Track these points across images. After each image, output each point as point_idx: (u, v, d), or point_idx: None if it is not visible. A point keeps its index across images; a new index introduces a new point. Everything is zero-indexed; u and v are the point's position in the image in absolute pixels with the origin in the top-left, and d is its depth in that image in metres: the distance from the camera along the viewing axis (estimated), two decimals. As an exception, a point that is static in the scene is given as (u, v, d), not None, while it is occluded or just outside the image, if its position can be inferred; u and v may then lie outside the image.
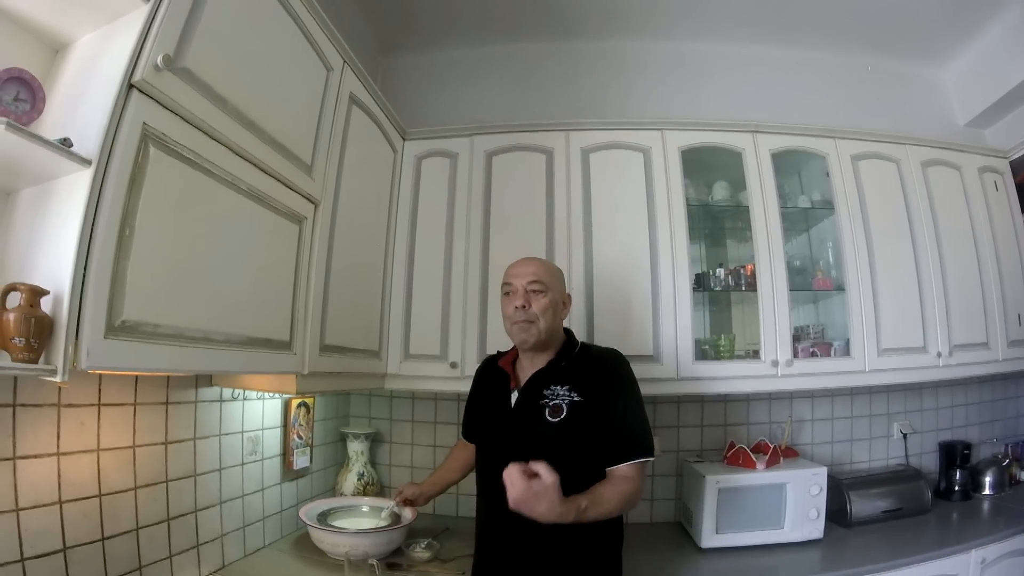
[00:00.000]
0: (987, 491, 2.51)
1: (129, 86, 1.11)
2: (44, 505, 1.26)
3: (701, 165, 2.38)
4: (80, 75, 1.20)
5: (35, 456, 1.25)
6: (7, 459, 1.19)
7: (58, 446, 1.30)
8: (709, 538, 2.06)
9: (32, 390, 1.24)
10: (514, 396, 1.63)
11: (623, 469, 1.48)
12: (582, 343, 1.70)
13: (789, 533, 2.07)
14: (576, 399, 1.53)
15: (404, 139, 2.40)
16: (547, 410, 1.53)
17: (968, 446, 2.55)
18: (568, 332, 1.72)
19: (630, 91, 2.84)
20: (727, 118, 2.41)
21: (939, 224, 2.38)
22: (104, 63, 1.15)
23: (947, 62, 2.92)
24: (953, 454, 2.53)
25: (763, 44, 2.85)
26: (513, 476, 1.29)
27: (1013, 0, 2.47)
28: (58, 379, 1.00)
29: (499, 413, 1.65)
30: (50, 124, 1.16)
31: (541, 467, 1.29)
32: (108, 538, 1.40)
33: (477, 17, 2.77)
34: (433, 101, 2.88)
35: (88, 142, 1.07)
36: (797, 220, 2.45)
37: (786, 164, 2.39)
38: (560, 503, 1.30)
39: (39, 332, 0.99)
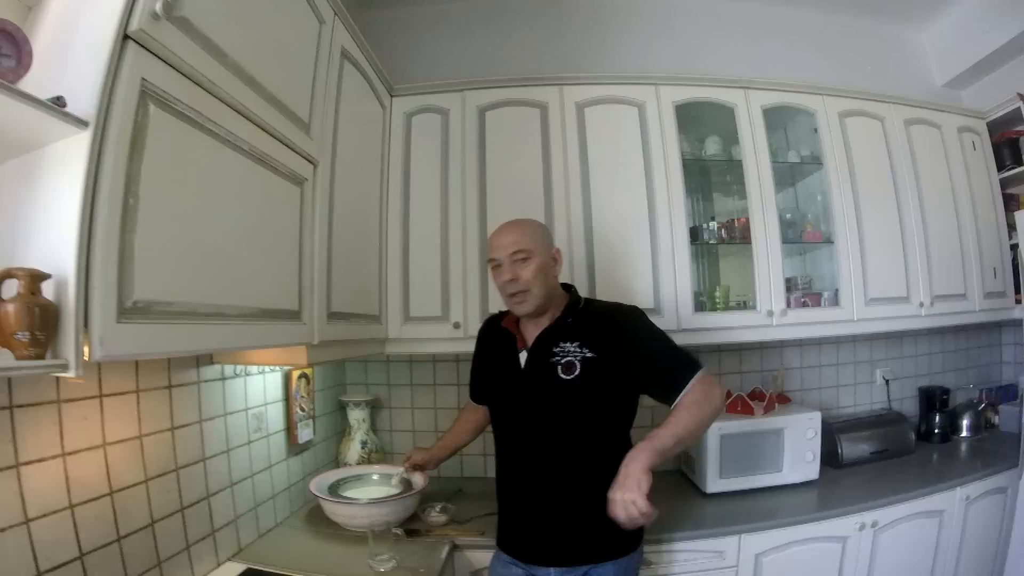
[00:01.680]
0: (964, 434, 2.58)
1: (124, 37, 0.91)
2: (54, 512, 1.10)
3: (693, 119, 2.28)
4: (62, 29, 0.99)
5: (39, 460, 1.08)
6: (9, 467, 1.02)
7: (62, 446, 1.13)
8: (714, 483, 2.06)
9: (28, 388, 1.06)
10: (523, 356, 1.55)
11: (690, 393, 1.36)
12: (586, 298, 1.61)
13: (787, 475, 2.10)
14: (589, 355, 1.45)
15: (392, 95, 2.19)
16: (559, 368, 1.46)
17: (946, 391, 2.61)
18: (570, 288, 1.62)
19: (618, 45, 2.68)
20: (720, 73, 2.30)
21: (921, 180, 2.37)
22: (91, 13, 0.94)
23: (927, 24, 2.87)
24: (932, 399, 2.59)
25: (751, 1, 2.72)
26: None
27: None
28: (71, 374, 0.84)
29: (509, 375, 1.57)
30: (30, 85, 0.94)
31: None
32: (124, 537, 1.25)
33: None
34: (416, 57, 2.64)
35: (81, 102, 0.87)
36: (784, 175, 2.39)
37: (773, 119, 2.32)
38: (647, 455, 1.24)
39: (44, 323, 0.82)
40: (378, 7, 2.62)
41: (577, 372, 1.45)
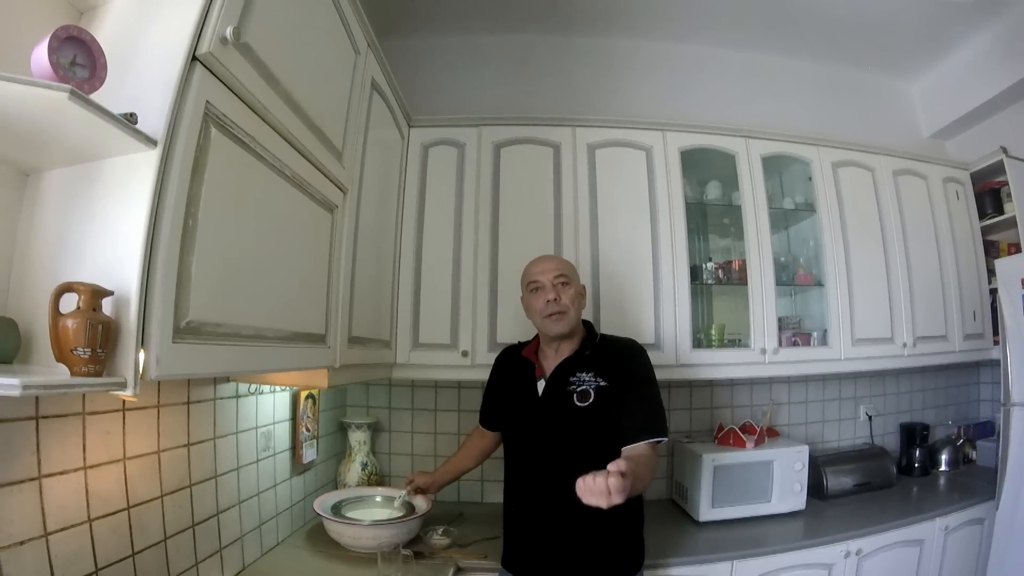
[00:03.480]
0: (943, 468, 2.62)
1: (192, 59, 0.91)
2: (73, 526, 1.05)
3: (696, 164, 2.34)
4: (123, 43, 0.97)
5: (61, 473, 1.03)
6: (32, 479, 0.98)
7: (84, 459, 1.09)
8: (706, 512, 2.06)
9: (54, 400, 1.02)
10: (541, 385, 1.60)
11: (640, 448, 1.45)
12: (601, 334, 1.67)
13: (776, 505, 2.11)
14: (602, 384, 1.51)
15: (410, 126, 2.21)
16: (575, 396, 1.52)
17: (926, 427, 2.67)
18: (588, 324, 1.69)
19: (626, 89, 2.74)
20: (720, 122, 2.37)
21: (907, 228, 2.45)
22: (158, 32, 0.95)
23: (917, 77, 2.98)
24: (913, 434, 2.64)
25: (749, 51, 2.82)
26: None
27: (985, 26, 2.54)
28: (128, 393, 0.81)
29: (527, 402, 1.61)
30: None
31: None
32: (138, 552, 1.21)
33: (473, 4, 2.57)
34: (428, 88, 2.66)
35: (148, 120, 0.87)
36: (778, 219, 2.45)
37: (770, 167, 2.39)
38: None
39: (105, 340, 0.80)
40: (393, 37, 2.64)
41: (591, 400, 1.50)
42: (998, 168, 2.56)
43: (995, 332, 2.53)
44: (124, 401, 1.19)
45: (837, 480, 2.29)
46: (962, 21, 2.54)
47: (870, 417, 2.69)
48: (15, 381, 0.67)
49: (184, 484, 1.37)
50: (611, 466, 1.09)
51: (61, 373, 0.79)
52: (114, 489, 1.16)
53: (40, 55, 0.78)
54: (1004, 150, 2.52)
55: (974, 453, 2.73)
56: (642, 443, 1.45)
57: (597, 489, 1.08)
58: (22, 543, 0.95)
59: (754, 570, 1.84)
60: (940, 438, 2.74)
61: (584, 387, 1.51)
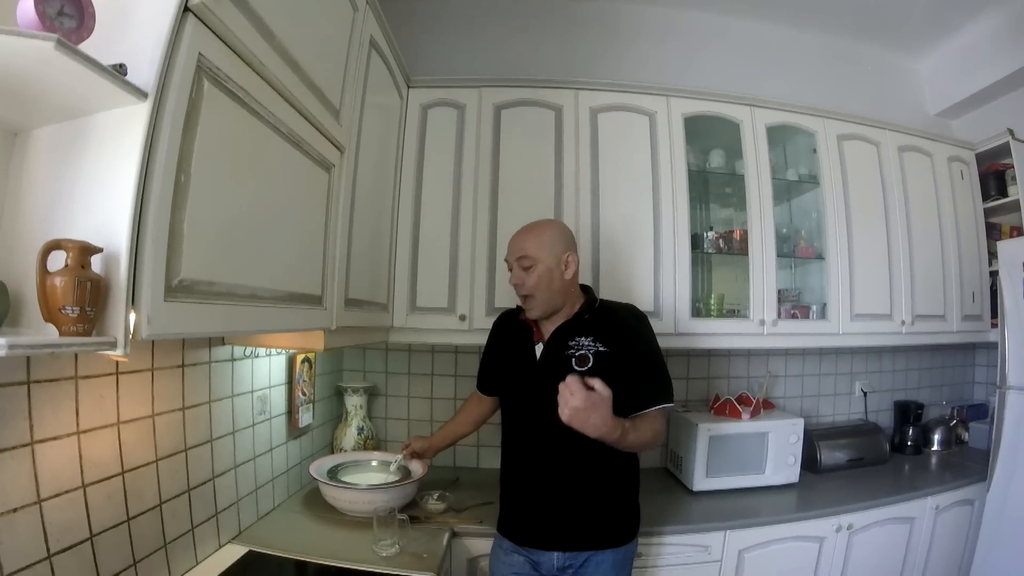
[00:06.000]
0: (936, 447, 2.64)
1: (184, 10, 0.86)
2: (67, 492, 1.04)
3: (699, 132, 2.29)
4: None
5: (54, 438, 1.02)
6: (24, 445, 0.96)
7: (78, 424, 1.07)
8: (700, 481, 2.09)
9: (46, 364, 1.00)
10: (539, 349, 1.58)
11: (650, 413, 1.45)
12: (601, 299, 1.64)
13: (770, 477, 2.14)
14: (602, 349, 1.49)
15: (409, 86, 2.14)
16: (574, 360, 1.50)
17: (920, 406, 2.67)
18: (587, 289, 1.66)
19: (626, 54, 2.66)
20: (724, 89, 2.31)
21: (910, 205, 2.42)
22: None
23: (924, 55, 2.92)
24: (907, 413, 2.66)
25: (755, 20, 2.74)
26: (573, 386, 1.24)
27: (994, 5, 2.48)
28: (119, 353, 0.79)
29: (524, 366, 1.59)
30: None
31: (596, 382, 1.25)
32: (133, 518, 1.20)
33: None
34: (428, 49, 2.57)
35: (139, 72, 0.82)
36: (780, 190, 2.42)
37: (774, 137, 2.34)
38: (611, 417, 1.27)
39: (95, 298, 0.77)
40: (393, -4, 2.55)
41: (590, 364, 1.48)
42: (1004, 150, 2.53)
43: (993, 315, 2.53)
44: (117, 364, 1.17)
45: (831, 454, 2.31)
46: (972, 0, 2.47)
47: (865, 393, 2.70)
48: (1, 341, 0.65)
49: (179, 448, 1.36)
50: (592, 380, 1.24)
51: (50, 333, 0.76)
52: (108, 454, 1.15)
53: (26, 5, 0.73)
54: (1011, 132, 2.47)
55: (966, 434, 2.75)
56: (652, 409, 1.45)
57: (575, 387, 1.22)
58: (15, 510, 0.94)
59: (747, 540, 1.87)
60: (933, 417, 2.75)
61: (583, 351, 1.49)
